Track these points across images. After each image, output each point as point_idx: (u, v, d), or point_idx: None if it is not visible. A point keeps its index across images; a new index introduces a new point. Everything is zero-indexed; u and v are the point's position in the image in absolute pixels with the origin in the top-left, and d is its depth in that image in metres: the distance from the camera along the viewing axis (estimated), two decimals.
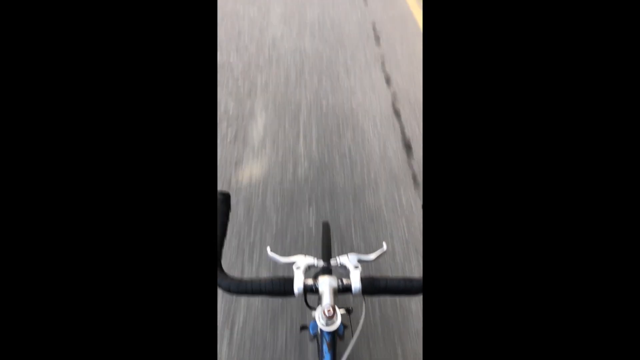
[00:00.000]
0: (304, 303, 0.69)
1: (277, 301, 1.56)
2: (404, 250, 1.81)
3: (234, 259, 1.74)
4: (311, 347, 1.40)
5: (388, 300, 1.58)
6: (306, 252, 1.80)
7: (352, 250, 1.82)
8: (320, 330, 0.74)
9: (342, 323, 0.66)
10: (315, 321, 0.68)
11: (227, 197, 0.67)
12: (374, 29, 3.53)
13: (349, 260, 0.66)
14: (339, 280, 0.63)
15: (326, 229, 1.19)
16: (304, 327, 1.16)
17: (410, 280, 0.60)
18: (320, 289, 0.62)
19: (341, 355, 0.64)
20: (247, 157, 2.25)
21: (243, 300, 1.57)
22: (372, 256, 0.70)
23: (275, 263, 1.60)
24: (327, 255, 0.99)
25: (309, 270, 0.66)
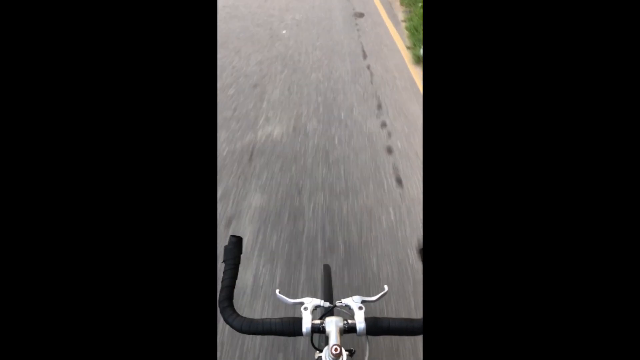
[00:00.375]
0: (310, 343, 0.74)
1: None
2: None
3: None
4: None
5: None
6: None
7: None
8: None
9: None
10: None
11: (239, 240, 0.69)
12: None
13: (353, 301, 0.69)
14: (345, 321, 0.66)
15: (327, 271, 1.20)
16: None
17: (412, 320, 0.63)
18: (328, 328, 0.64)
19: None
20: None
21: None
22: (374, 298, 0.72)
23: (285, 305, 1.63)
24: (329, 295, 1.00)
25: (315, 311, 0.68)
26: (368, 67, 3.70)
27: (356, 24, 4.75)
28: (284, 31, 4.49)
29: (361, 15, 5.04)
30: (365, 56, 3.93)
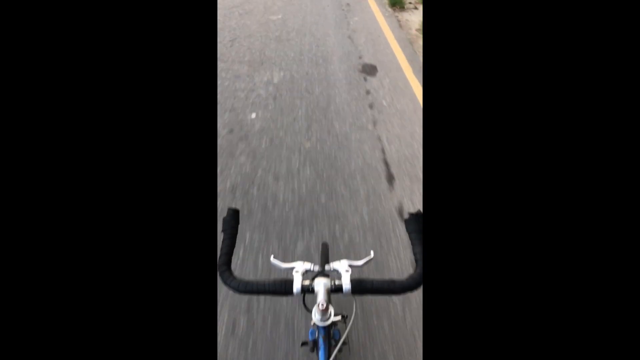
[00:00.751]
0: (302, 305, 0.82)
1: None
2: None
3: None
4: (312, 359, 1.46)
5: None
6: None
7: None
8: (317, 327, 0.80)
9: (337, 329, 0.94)
10: (312, 329, 0.95)
11: (236, 212, 0.75)
12: None
13: (341, 265, 0.75)
14: (332, 281, 0.71)
15: (325, 248, 1.26)
16: (304, 343, 1.24)
17: (394, 281, 0.66)
18: (316, 288, 0.70)
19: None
20: None
21: None
22: (360, 262, 0.79)
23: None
24: (322, 265, 0.96)
25: (307, 274, 0.75)
26: None
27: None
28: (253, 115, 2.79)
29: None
30: None
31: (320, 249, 1.40)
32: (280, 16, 4.66)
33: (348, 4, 5.20)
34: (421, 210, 0.69)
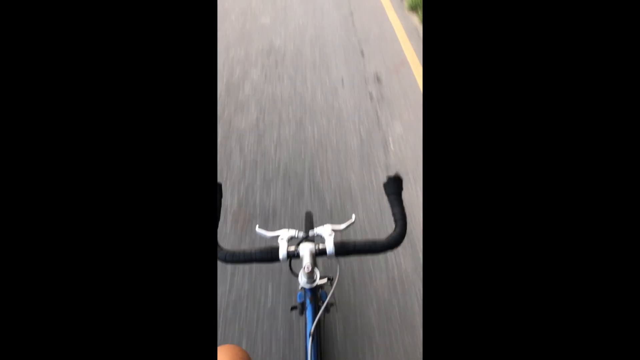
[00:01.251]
0: (289, 271, 0.83)
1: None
2: None
3: None
4: (301, 321, 1.56)
5: None
6: None
7: None
8: (304, 289, 0.87)
9: (324, 291, 1.05)
10: (300, 292, 1.05)
11: (219, 186, 0.76)
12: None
13: (324, 229, 0.78)
14: (316, 245, 0.75)
15: (309, 217, 1.31)
16: (293, 308, 1.27)
17: (375, 242, 0.71)
18: (302, 253, 0.74)
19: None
20: None
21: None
22: (342, 226, 0.81)
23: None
24: (307, 232, 1.00)
25: (292, 241, 0.78)
26: None
27: None
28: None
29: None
30: None
31: (304, 218, 1.45)
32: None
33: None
34: (399, 173, 0.79)
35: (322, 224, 1.28)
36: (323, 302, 0.86)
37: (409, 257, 1.83)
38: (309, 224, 1.26)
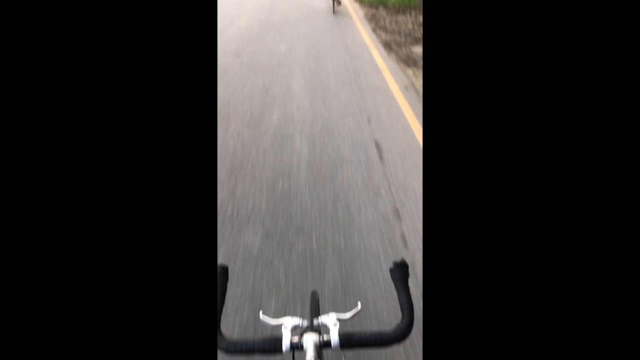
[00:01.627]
0: None
1: None
2: None
3: None
4: None
5: None
6: None
7: None
8: None
9: None
10: None
11: (225, 270, 0.76)
12: None
13: (329, 318, 0.76)
14: (321, 337, 0.72)
15: (314, 297, 1.26)
16: None
17: (381, 334, 0.68)
18: (305, 345, 0.71)
19: None
20: None
21: None
22: (348, 315, 0.80)
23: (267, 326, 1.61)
24: (312, 317, 0.98)
25: (295, 330, 0.75)
26: None
27: None
28: None
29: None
30: None
31: (309, 299, 1.38)
32: None
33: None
34: (405, 259, 0.76)
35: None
36: None
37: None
38: (315, 308, 1.20)
